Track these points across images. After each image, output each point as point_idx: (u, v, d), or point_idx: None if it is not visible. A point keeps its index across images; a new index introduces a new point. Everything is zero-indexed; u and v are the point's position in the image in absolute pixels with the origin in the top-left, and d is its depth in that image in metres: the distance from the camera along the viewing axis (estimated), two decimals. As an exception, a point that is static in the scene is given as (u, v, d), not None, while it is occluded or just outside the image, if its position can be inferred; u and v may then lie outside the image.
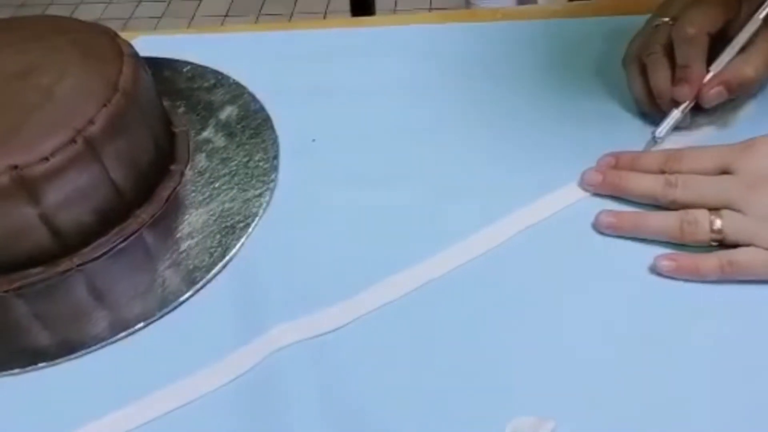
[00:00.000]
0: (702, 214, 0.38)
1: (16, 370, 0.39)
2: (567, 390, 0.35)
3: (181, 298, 0.40)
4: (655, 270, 0.38)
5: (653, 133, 0.43)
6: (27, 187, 0.39)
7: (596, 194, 0.42)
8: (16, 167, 0.39)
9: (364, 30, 0.57)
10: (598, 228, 0.40)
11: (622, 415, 0.34)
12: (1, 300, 0.42)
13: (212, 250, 0.42)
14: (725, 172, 0.39)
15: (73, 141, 0.40)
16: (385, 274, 0.40)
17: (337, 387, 0.36)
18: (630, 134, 0.45)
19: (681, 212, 0.39)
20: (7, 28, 0.48)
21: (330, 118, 0.49)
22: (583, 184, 0.42)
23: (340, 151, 0.47)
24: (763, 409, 0.33)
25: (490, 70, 0.51)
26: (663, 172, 0.41)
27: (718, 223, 0.38)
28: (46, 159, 0.39)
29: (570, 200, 0.42)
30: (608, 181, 0.42)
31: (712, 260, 0.37)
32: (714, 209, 0.38)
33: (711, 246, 0.38)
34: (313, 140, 0.48)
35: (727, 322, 0.36)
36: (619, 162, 0.43)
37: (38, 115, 0.41)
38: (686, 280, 0.38)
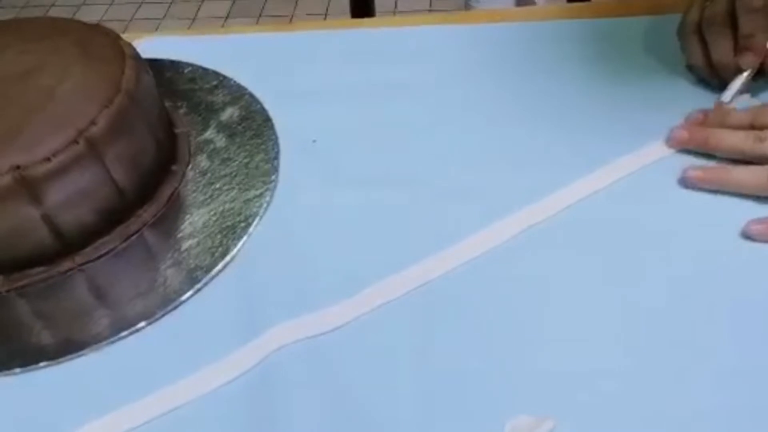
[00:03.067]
0: None
1: (18, 370, 0.39)
2: (567, 389, 0.35)
3: (182, 298, 0.41)
4: (743, 234, 0.39)
5: (718, 99, 0.45)
6: (29, 187, 0.39)
7: (596, 196, 0.42)
8: (18, 167, 0.39)
9: (364, 31, 0.57)
10: (686, 183, 0.41)
11: (621, 417, 0.34)
12: (3, 299, 0.42)
13: (213, 249, 0.43)
14: None
15: (75, 141, 0.40)
16: (385, 274, 0.40)
17: (337, 387, 0.36)
18: (629, 136, 0.45)
19: None
20: (9, 30, 0.48)
21: (331, 119, 0.49)
22: (670, 142, 0.43)
23: (340, 152, 0.47)
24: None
25: (489, 71, 0.51)
26: (753, 126, 0.42)
27: None
28: (48, 159, 0.39)
29: (574, 199, 0.42)
30: (695, 137, 0.42)
31: None
32: None
33: None
34: (314, 141, 0.48)
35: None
36: (707, 118, 0.43)
37: (40, 116, 0.41)
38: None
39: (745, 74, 0.45)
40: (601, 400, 0.34)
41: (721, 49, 0.45)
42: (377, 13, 0.96)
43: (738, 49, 0.44)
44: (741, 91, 0.45)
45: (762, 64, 0.45)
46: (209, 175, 0.47)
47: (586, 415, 0.34)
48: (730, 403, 0.33)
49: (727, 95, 0.45)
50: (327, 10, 1.81)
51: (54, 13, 1.90)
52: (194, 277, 0.41)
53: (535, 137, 0.46)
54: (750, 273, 0.38)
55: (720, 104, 0.45)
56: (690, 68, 0.48)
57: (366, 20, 0.76)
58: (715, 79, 0.46)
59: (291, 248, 0.42)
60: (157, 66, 0.51)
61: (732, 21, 0.45)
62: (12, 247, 0.41)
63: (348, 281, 0.40)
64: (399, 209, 0.43)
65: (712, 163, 0.43)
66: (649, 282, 0.38)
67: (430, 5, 1.78)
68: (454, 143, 0.47)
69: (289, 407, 0.35)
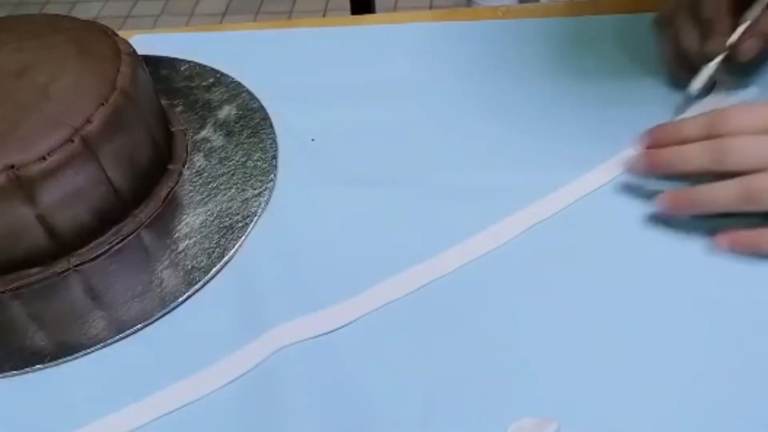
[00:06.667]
0: (767, 180, 0.36)
1: (13, 372, 0.38)
2: (570, 391, 0.34)
3: (180, 299, 0.40)
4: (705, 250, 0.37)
5: (687, 89, 0.43)
6: (24, 186, 0.39)
7: (595, 194, 0.42)
8: (12, 167, 0.38)
9: (363, 28, 0.57)
10: (659, 212, 0.39)
11: (626, 418, 0.33)
12: (-2, 301, 0.41)
13: (210, 250, 0.42)
14: None
15: (70, 140, 0.39)
16: (384, 275, 0.40)
17: (337, 387, 0.36)
18: (634, 131, 0.44)
19: (744, 180, 0.36)
20: (4, 27, 0.48)
21: (329, 117, 0.49)
22: (630, 169, 0.41)
23: (339, 151, 0.47)
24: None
25: (491, 68, 0.51)
26: (710, 136, 0.38)
27: None
28: (43, 158, 0.39)
29: (577, 197, 0.42)
30: (654, 162, 0.39)
31: None
32: None
33: None
34: (313, 140, 0.48)
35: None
36: (660, 134, 0.40)
37: (35, 114, 0.41)
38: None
39: (713, 63, 0.42)
40: (606, 401, 0.34)
41: (688, 38, 0.43)
42: (377, 10, 0.95)
43: (703, 34, 0.42)
44: (712, 82, 0.43)
45: (734, 51, 0.42)
46: (206, 174, 0.47)
47: (591, 417, 0.33)
48: (734, 402, 0.33)
49: (695, 86, 0.42)
50: (326, 6, 1.81)
51: (49, 9, 1.89)
52: (191, 278, 0.41)
53: (539, 136, 0.46)
54: (732, 279, 0.37)
55: (688, 95, 0.43)
56: (665, 65, 0.46)
57: (366, 17, 0.75)
58: (684, 72, 0.44)
59: (290, 248, 0.42)
60: (153, 63, 0.51)
61: (699, 10, 0.43)
62: (6, 248, 0.41)
63: (348, 282, 0.40)
64: (399, 208, 0.43)
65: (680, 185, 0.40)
66: (651, 281, 0.38)
67: (431, 1, 1.78)
68: (456, 142, 0.47)
69: (289, 410, 0.35)
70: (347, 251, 0.41)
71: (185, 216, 0.44)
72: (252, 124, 0.49)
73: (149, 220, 0.44)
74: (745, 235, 0.37)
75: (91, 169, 0.41)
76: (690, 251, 0.39)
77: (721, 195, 0.37)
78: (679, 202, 0.38)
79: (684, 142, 0.39)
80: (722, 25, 0.42)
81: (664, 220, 0.40)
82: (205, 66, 0.54)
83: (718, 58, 0.42)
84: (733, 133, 0.37)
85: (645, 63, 0.49)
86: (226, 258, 0.42)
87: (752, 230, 0.37)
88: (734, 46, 0.42)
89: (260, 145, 0.48)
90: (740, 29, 0.42)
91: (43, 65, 0.43)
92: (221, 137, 0.49)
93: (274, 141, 0.48)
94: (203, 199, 0.45)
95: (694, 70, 0.43)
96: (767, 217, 0.37)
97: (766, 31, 0.42)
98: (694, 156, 0.38)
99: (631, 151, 0.42)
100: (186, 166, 0.47)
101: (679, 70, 0.45)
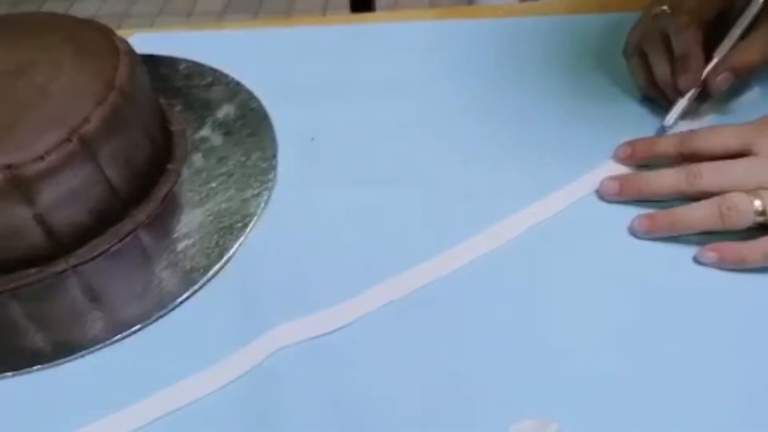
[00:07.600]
0: (740, 198, 0.37)
1: (11, 373, 0.38)
2: (571, 392, 0.34)
3: (179, 300, 0.40)
4: (696, 261, 0.38)
5: (662, 123, 0.43)
6: (21, 186, 0.38)
7: (597, 193, 0.42)
8: (10, 166, 0.38)
9: (363, 27, 0.57)
10: (635, 234, 0.39)
11: (626, 419, 0.33)
12: (-4, 301, 0.41)
13: (209, 250, 0.42)
14: (745, 151, 0.39)
15: (68, 139, 0.39)
16: (384, 275, 0.40)
17: (337, 388, 0.35)
18: (636, 129, 0.44)
19: (717, 199, 0.38)
20: (1, 25, 0.47)
21: (330, 116, 0.49)
22: (603, 195, 0.41)
23: (339, 150, 0.47)
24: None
25: (491, 67, 0.51)
26: (681, 153, 0.40)
27: (758, 204, 0.37)
28: (41, 158, 0.38)
29: (577, 197, 0.42)
30: (627, 188, 0.41)
31: (757, 247, 0.36)
32: (748, 191, 0.37)
33: (753, 228, 0.37)
34: (312, 139, 0.48)
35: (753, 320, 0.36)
36: (635, 149, 0.42)
37: (33, 114, 0.40)
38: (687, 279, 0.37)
39: (687, 96, 0.43)
40: (607, 403, 0.34)
41: (661, 69, 0.44)
42: (377, 8, 0.95)
43: (675, 70, 0.43)
44: (685, 113, 0.44)
45: (705, 85, 0.43)
46: (205, 174, 0.46)
47: (592, 420, 0.33)
48: (733, 403, 0.33)
49: (670, 119, 0.43)
50: (326, 5, 1.81)
51: (48, 7, 1.89)
52: (190, 278, 0.41)
53: (540, 136, 0.46)
54: (730, 280, 0.37)
55: (662, 129, 0.43)
56: (639, 89, 0.47)
57: (366, 15, 0.75)
58: (660, 97, 0.45)
59: (289, 249, 0.42)
60: (152, 62, 0.51)
61: (669, 40, 0.44)
62: (4, 248, 0.41)
63: (348, 282, 0.39)
64: (399, 208, 0.43)
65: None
66: (652, 281, 0.38)
67: (431, 0, 1.77)
68: (457, 141, 0.46)
69: (288, 411, 0.35)
70: (347, 251, 0.41)
71: (184, 216, 0.44)
72: (251, 123, 0.49)
73: (148, 220, 0.44)
74: (730, 247, 0.37)
75: (89, 169, 0.40)
76: (691, 252, 0.39)
77: (695, 216, 0.38)
78: (657, 225, 0.39)
79: (657, 156, 0.42)
80: (694, 60, 0.43)
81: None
82: (204, 65, 0.53)
83: (691, 93, 0.43)
84: (701, 151, 0.40)
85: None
86: (225, 258, 0.41)
87: (738, 243, 0.37)
88: (706, 81, 0.43)
89: (259, 145, 0.48)
90: (711, 64, 0.43)
91: (40, 64, 0.43)
92: (220, 136, 0.49)
93: (274, 140, 0.48)
94: (202, 199, 0.45)
95: (664, 95, 0.45)
96: (751, 230, 0.37)
97: (736, 65, 0.43)
98: (666, 180, 0.40)
99: (606, 170, 0.42)
100: (185, 166, 0.47)
101: (653, 94, 0.46)
